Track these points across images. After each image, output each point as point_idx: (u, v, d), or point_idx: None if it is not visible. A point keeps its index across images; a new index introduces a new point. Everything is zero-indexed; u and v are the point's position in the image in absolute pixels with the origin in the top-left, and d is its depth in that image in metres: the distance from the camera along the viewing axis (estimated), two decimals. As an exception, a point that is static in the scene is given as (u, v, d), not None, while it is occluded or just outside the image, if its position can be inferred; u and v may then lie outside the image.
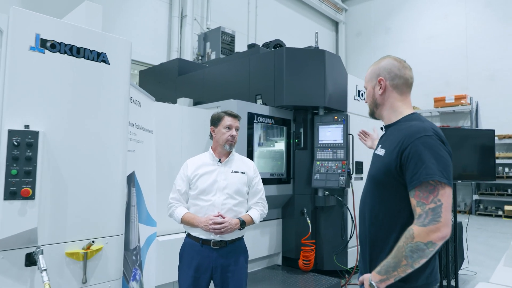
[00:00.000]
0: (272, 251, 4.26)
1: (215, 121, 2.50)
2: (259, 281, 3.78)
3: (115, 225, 1.99)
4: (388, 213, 1.47)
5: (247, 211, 2.46)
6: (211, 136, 2.55)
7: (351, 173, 4.08)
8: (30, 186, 1.62)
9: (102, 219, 1.95)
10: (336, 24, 14.56)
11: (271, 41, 4.82)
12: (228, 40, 8.46)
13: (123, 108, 2.06)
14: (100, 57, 1.96)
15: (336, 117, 4.09)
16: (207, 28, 9.26)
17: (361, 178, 4.51)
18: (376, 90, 1.62)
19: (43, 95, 1.75)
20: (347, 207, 4.20)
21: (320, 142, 4.18)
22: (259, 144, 4.08)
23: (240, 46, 9.48)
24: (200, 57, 8.65)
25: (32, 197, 1.63)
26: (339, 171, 4.00)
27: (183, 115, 3.58)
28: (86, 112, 1.90)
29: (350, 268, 4.26)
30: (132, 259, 2.61)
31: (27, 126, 1.68)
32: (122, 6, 8.16)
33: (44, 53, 1.77)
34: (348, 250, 4.28)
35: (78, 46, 1.88)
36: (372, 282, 1.41)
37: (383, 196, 1.49)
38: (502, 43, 10.41)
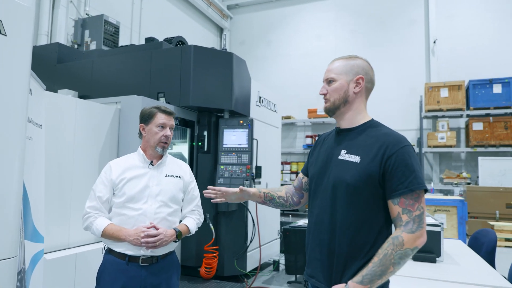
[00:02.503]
0: (171, 260, 3.98)
1: (146, 118, 2.15)
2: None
3: (9, 245, 1.53)
4: (365, 221, 1.45)
5: (181, 220, 2.19)
6: (140, 134, 2.20)
7: (254, 177, 4.12)
8: None
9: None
10: (221, 30, 14.76)
11: (173, 37, 4.54)
12: (111, 31, 7.71)
13: (23, 98, 1.60)
14: (-5, 25, 1.49)
15: (241, 121, 4.08)
16: (86, 15, 8.28)
17: (260, 183, 4.60)
18: (351, 86, 1.56)
19: None
20: (249, 211, 4.21)
21: (224, 146, 4.10)
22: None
23: (123, 39, 8.75)
24: (76, 45, 7.66)
25: None
26: (244, 175, 3.98)
27: (77, 109, 3.05)
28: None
29: (249, 272, 4.27)
30: (17, 286, 2.07)
31: None
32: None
33: None
34: (248, 254, 4.30)
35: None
36: None
37: (358, 204, 1.45)
38: (362, 66, 12.10)
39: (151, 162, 2.14)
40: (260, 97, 4.75)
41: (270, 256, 5.01)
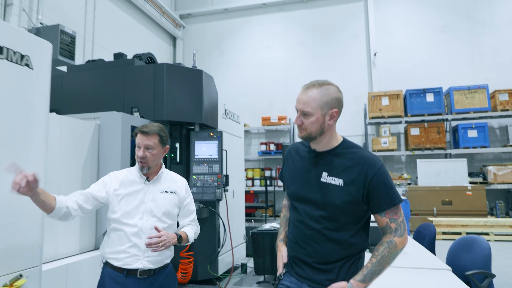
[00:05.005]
0: (147, 268, 4.14)
1: (134, 136, 2.20)
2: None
3: (35, 254, 1.71)
4: (353, 234, 1.67)
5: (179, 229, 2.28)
6: None
7: (225, 185, 4.42)
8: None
9: (22, 249, 1.65)
10: (174, 39, 14.83)
11: (143, 54, 4.72)
12: (67, 41, 7.54)
13: (44, 121, 1.80)
14: (23, 60, 1.69)
15: (211, 134, 4.37)
16: (40, 24, 8.06)
17: (227, 190, 4.89)
18: (326, 119, 1.66)
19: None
20: (221, 217, 4.50)
21: (196, 156, 4.36)
22: (139, 159, 3.95)
23: (76, 48, 8.63)
24: (29, 56, 7.45)
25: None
26: (215, 184, 4.27)
27: (61, 125, 3.16)
28: (7, 124, 1.60)
29: (220, 275, 4.55)
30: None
31: None
32: None
33: (-37, 49, 1.43)
34: (219, 258, 4.57)
35: (1, 45, 1.58)
36: None
37: (346, 219, 1.66)
38: (309, 76, 12.52)
39: (147, 178, 2.19)
40: (225, 110, 5.08)
41: (238, 260, 5.32)
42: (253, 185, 11.18)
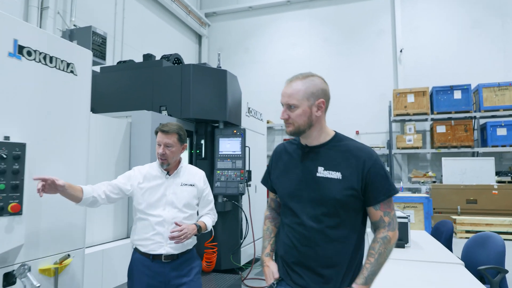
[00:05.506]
0: (174, 257, 4.41)
1: (155, 134, 2.37)
2: None
3: (80, 237, 1.95)
4: (353, 231, 1.60)
5: (198, 219, 2.45)
6: None
7: (247, 180, 4.61)
8: (18, 201, 1.53)
9: (69, 232, 1.90)
10: (199, 37, 15.14)
11: (170, 55, 4.97)
12: (99, 42, 7.96)
13: (86, 122, 2.04)
14: (69, 68, 1.93)
15: (235, 131, 4.56)
16: (74, 25, 8.51)
17: (249, 185, 5.09)
18: (313, 111, 1.60)
19: (20, 105, 1.65)
20: (243, 211, 4.70)
21: (220, 153, 4.57)
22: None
23: (107, 48, 9.04)
24: (64, 56, 7.90)
25: (20, 212, 1.53)
26: (238, 179, 4.47)
27: (97, 123, 3.45)
28: (58, 125, 1.84)
29: (243, 265, 4.76)
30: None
31: (7, 137, 1.57)
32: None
33: (21, 60, 1.67)
34: (241, 249, 4.78)
35: (51, 55, 1.82)
36: None
37: (345, 215, 1.58)
38: (334, 73, 12.68)
39: (167, 172, 2.37)
40: (249, 108, 5.26)
41: (259, 252, 5.52)
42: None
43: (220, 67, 4.82)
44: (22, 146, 1.58)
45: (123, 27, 10.92)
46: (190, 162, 4.55)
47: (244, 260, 4.85)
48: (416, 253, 3.21)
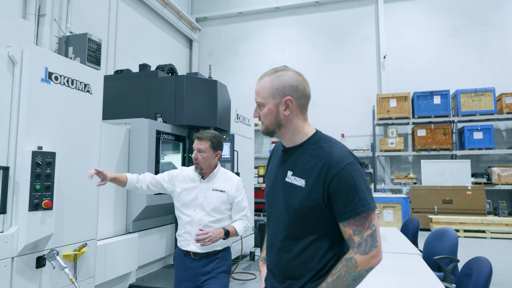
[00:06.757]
0: (168, 252, 4.78)
1: (193, 141, 2.56)
2: (159, 279, 4.27)
3: (93, 230, 2.33)
4: (315, 243, 1.40)
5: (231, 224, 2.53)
6: None
7: (236, 182, 5.01)
8: (49, 198, 1.91)
9: (85, 225, 2.28)
10: (190, 41, 15.50)
11: (165, 65, 5.35)
12: (94, 48, 8.29)
13: (99, 132, 2.42)
14: (86, 88, 2.31)
15: (224, 136, 4.96)
16: (69, 32, 8.83)
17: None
18: (280, 110, 1.43)
19: (49, 120, 2.03)
20: (232, 210, 5.10)
21: (211, 156, 4.96)
22: (162, 158, 4.58)
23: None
24: (60, 61, 8.19)
25: (51, 208, 1.91)
26: (227, 180, 4.86)
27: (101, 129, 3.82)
28: (77, 136, 2.22)
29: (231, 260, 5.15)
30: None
31: (40, 147, 1.95)
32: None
33: (50, 84, 2.05)
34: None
35: (72, 78, 2.20)
36: None
37: (308, 227, 1.40)
38: (322, 78, 13.09)
39: (202, 176, 2.52)
40: (237, 114, 5.66)
41: (246, 249, 5.92)
42: (264, 182, 11.71)
43: (211, 77, 5.22)
44: (52, 155, 1.96)
45: (116, 33, 11.24)
46: (183, 164, 4.93)
47: (232, 256, 5.23)
48: (382, 245, 3.65)
